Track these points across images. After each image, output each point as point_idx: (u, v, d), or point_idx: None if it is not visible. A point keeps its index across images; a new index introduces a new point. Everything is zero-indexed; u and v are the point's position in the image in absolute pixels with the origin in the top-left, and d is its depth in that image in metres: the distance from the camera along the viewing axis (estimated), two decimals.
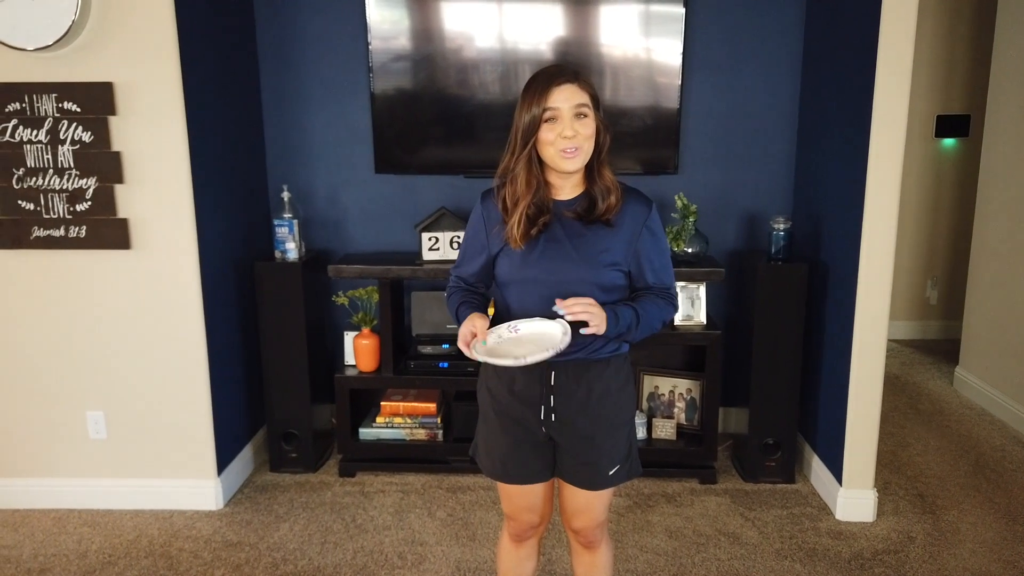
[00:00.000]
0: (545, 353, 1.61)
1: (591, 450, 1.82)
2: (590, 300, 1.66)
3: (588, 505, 1.88)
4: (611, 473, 1.84)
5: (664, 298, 1.80)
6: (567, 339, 1.63)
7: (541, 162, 1.73)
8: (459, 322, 1.79)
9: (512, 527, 1.99)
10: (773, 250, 3.07)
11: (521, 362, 1.61)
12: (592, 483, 1.85)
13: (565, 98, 1.66)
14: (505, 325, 1.73)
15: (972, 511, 2.96)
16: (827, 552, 2.69)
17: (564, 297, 1.67)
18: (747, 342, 3.15)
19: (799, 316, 3.02)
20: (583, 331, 1.66)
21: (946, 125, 4.85)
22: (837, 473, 2.93)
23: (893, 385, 4.25)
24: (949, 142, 4.89)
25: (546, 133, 1.67)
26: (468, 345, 1.70)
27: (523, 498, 1.91)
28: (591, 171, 1.75)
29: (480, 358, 1.68)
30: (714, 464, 3.19)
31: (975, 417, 3.85)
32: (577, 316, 1.64)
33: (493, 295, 1.88)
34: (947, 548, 2.71)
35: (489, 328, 1.73)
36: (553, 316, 1.68)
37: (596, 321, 1.65)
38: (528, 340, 1.69)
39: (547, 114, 1.66)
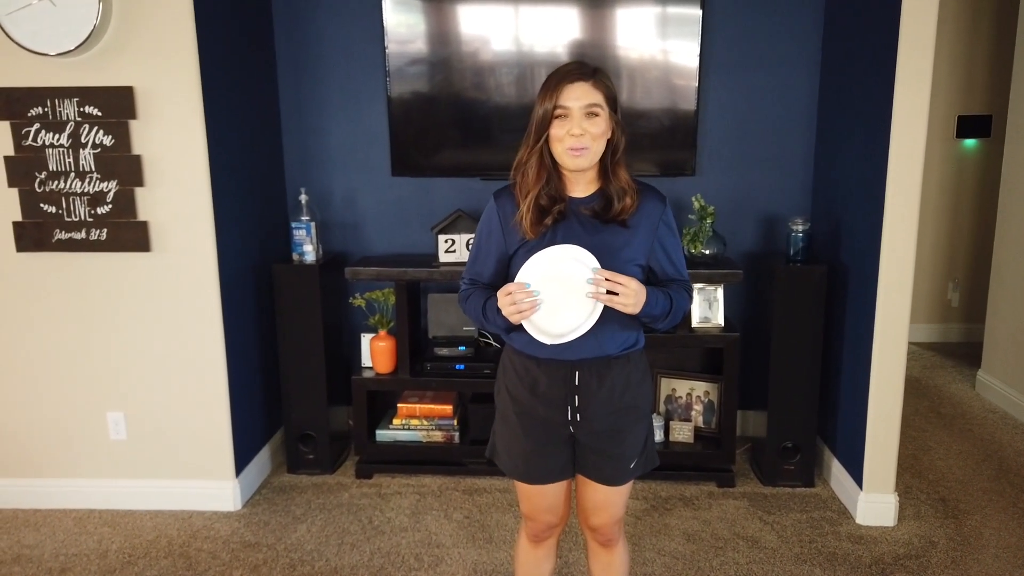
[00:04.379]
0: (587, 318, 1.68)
1: (615, 445, 1.84)
2: (629, 279, 1.67)
3: (607, 501, 1.89)
4: (631, 466, 1.86)
5: (686, 290, 1.85)
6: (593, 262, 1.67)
7: (554, 158, 1.74)
8: (487, 317, 1.78)
9: (531, 528, 1.99)
10: (791, 252, 3.05)
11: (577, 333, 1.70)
12: (614, 478, 1.86)
13: (576, 97, 1.67)
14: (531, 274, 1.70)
15: (995, 516, 2.92)
16: (847, 557, 2.66)
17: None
18: (765, 344, 3.13)
19: (818, 318, 2.99)
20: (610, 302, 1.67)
21: (967, 125, 4.80)
22: (857, 477, 2.90)
23: (914, 388, 4.20)
24: (970, 143, 4.84)
25: (556, 129, 1.69)
26: (515, 302, 1.68)
27: (543, 498, 1.91)
28: (606, 171, 1.76)
29: (543, 338, 1.71)
30: (732, 467, 3.16)
31: (998, 421, 3.80)
32: (605, 296, 1.66)
33: None
34: (970, 553, 2.68)
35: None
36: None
37: (627, 301, 1.66)
38: (562, 279, 1.68)
39: (558, 111, 1.67)
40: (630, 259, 1.75)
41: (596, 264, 1.67)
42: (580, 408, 1.80)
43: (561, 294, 1.68)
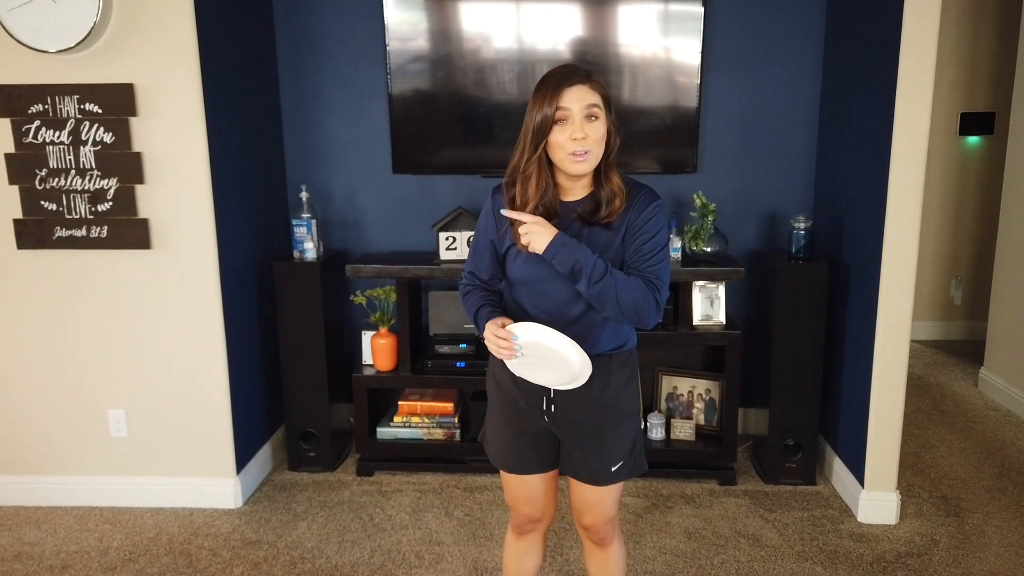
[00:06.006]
0: (569, 382, 1.75)
1: (593, 445, 1.84)
2: (537, 219, 1.68)
3: (596, 501, 1.89)
4: (614, 469, 1.85)
5: (646, 284, 1.68)
6: (584, 372, 1.70)
7: (551, 163, 1.72)
8: (478, 324, 1.81)
9: (513, 518, 2.03)
10: (793, 249, 3.04)
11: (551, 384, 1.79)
12: (595, 478, 1.86)
13: (576, 98, 1.63)
14: (529, 337, 1.70)
15: (997, 514, 2.91)
16: (849, 555, 2.66)
17: (564, 304, 1.74)
18: (767, 342, 3.12)
19: (820, 316, 2.99)
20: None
21: (970, 123, 4.78)
22: (859, 475, 2.89)
23: (917, 386, 4.20)
24: (973, 140, 4.82)
25: (556, 135, 1.65)
26: (500, 345, 1.71)
27: (521, 488, 1.94)
28: (599, 174, 1.73)
29: (517, 370, 1.78)
30: (733, 465, 3.16)
31: (1000, 419, 3.79)
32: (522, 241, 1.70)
33: (503, 290, 1.89)
34: (972, 551, 2.67)
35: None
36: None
37: (532, 240, 1.67)
38: (547, 357, 1.71)
39: (558, 114, 1.63)
40: (614, 261, 1.72)
41: (586, 376, 1.71)
42: (555, 400, 1.81)
43: (538, 361, 1.72)
